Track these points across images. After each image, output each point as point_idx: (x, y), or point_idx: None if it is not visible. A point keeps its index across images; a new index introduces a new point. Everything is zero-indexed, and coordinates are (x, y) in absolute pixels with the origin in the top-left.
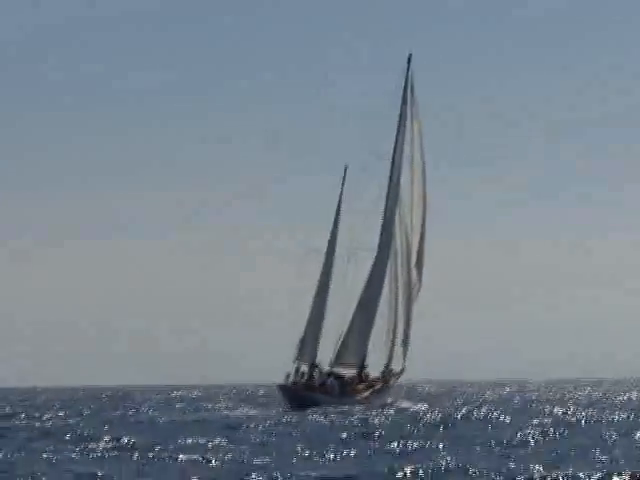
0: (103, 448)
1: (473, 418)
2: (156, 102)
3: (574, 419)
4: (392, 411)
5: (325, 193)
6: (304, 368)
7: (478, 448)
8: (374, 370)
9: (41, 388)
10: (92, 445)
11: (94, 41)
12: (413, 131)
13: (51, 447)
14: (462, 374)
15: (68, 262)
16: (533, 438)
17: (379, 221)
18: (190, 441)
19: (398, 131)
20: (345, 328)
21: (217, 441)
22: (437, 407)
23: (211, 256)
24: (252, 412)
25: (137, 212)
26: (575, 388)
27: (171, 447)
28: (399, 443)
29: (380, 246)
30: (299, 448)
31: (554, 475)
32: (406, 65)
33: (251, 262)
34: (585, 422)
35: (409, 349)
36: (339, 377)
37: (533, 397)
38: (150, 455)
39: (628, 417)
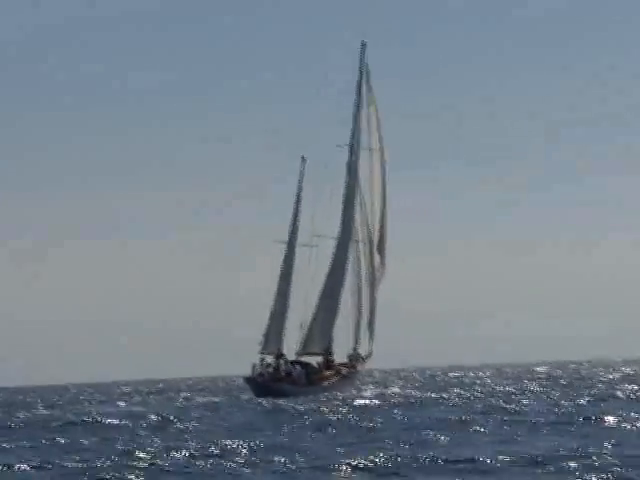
0: None
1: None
2: (156, 102)
3: None
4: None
5: None
6: (269, 359)
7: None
8: (341, 357)
9: (35, 386)
10: None
11: (94, 41)
12: (369, 118)
13: None
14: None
15: (68, 262)
16: None
17: (339, 209)
18: None
19: (354, 118)
20: (309, 316)
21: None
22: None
23: (211, 256)
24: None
25: (137, 212)
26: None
27: None
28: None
29: (341, 233)
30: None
31: None
32: (359, 53)
33: (251, 262)
34: None
35: (375, 333)
36: (305, 365)
37: None
38: None
39: None
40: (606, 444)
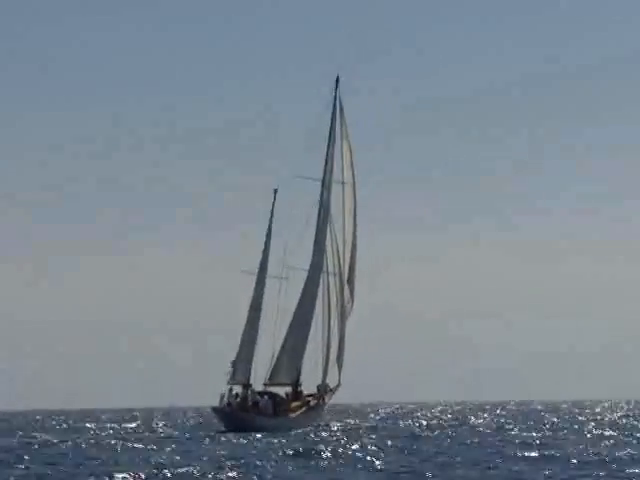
0: None
1: None
2: (156, 102)
3: None
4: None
5: None
6: (238, 389)
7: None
8: (309, 388)
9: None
10: None
11: (94, 41)
12: (342, 151)
13: None
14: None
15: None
16: None
17: (311, 241)
18: None
19: (327, 152)
20: (278, 347)
21: None
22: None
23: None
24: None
25: (137, 211)
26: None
27: None
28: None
29: (312, 265)
30: None
31: None
32: (334, 87)
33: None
34: None
35: (343, 365)
36: (273, 396)
37: None
38: None
39: None
40: None
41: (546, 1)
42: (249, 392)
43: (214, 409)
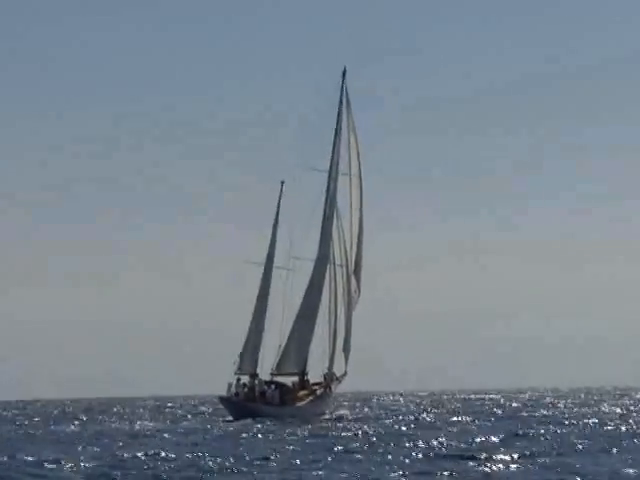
0: None
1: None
2: (156, 102)
3: None
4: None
5: None
6: (245, 379)
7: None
8: (316, 378)
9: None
10: None
11: (94, 41)
12: (349, 144)
13: None
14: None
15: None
16: None
17: (317, 233)
18: None
19: (334, 144)
20: (285, 337)
21: None
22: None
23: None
24: None
25: (136, 211)
26: None
27: None
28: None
29: (318, 256)
30: None
31: None
32: (341, 79)
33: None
34: None
35: (350, 354)
36: (280, 386)
37: None
38: None
39: None
40: None
41: (546, 1)
42: (256, 382)
43: (221, 399)
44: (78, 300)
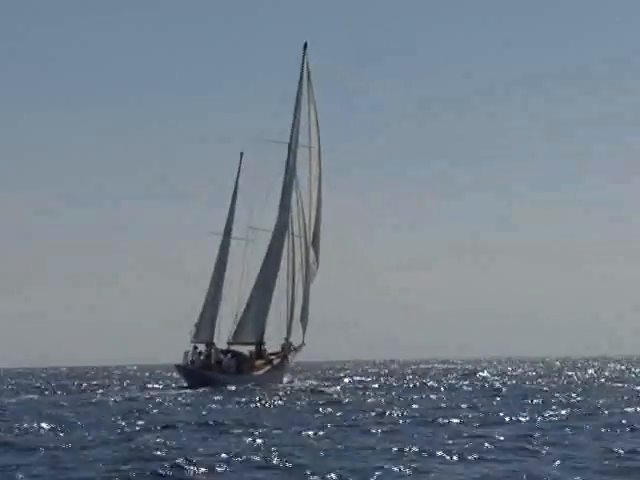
0: None
1: None
2: (156, 102)
3: None
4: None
5: None
6: (202, 347)
7: None
8: (273, 348)
9: None
10: None
11: (94, 41)
12: (309, 116)
13: None
14: None
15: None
16: None
17: (277, 204)
18: None
19: (294, 117)
20: (242, 307)
21: None
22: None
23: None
24: None
25: (136, 212)
26: None
27: None
28: None
29: (277, 226)
30: None
31: None
32: (302, 53)
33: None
34: None
35: (307, 324)
36: (236, 355)
37: None
38: None
39: None
40: None
41: (546, 1)
42: (212, 350)
43: (177, 367)
44: (78, 300)
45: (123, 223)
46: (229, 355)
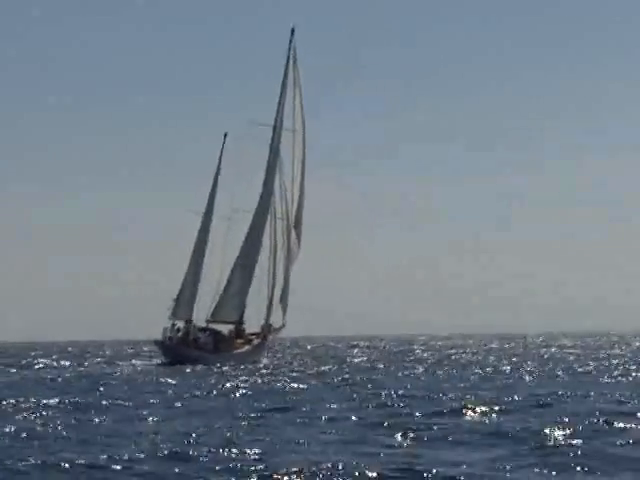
0: None
1: None
2: (156, 102)
3: None
4: None
5: None
6: (180, 324)
7: None
8: (254, 327)
9: None
10: None
11: (94, 41)
12: (294, 100)
13: None
14: None
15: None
16: None
17: (260, 186)
18: None
19: (279, 100)
20: (222, 286)
21: None
22: None
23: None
24: None
25: (136, 212)
26: None
27: None
28: None
29: (259, 207)
30: None
31: None
32: (289, 38)
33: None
34: None
35: (287, 305)
36: (214, 333)
37: None
38: None
39: None
40: None
41: (546, 1)
42: (191, 327)
43: (156, 342)
44: (78, 300)
45: (123, 223)
46: (207, 333)
